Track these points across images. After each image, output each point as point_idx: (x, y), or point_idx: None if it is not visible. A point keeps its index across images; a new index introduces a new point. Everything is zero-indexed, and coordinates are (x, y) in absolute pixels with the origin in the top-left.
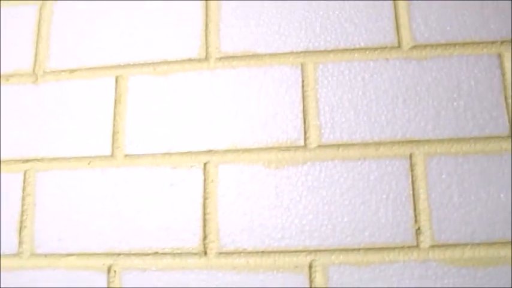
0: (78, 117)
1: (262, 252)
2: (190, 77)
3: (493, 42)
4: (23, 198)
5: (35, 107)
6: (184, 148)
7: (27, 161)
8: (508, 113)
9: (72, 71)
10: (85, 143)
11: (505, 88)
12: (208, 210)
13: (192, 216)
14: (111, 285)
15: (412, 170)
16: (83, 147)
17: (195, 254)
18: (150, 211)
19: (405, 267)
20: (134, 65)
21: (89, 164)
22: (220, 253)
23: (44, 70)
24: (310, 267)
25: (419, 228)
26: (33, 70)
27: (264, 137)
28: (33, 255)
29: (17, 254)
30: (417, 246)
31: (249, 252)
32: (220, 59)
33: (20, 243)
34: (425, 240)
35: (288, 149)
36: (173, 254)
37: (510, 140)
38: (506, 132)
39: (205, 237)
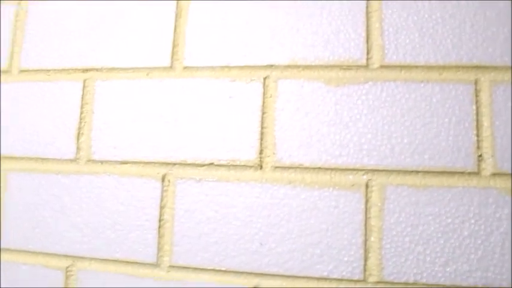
0: (138, 30)
1: (319, 168)
2: None
3: None
4: (82, 106)
5: (95, 18)
6: (244, 62)
7: (86, 70)
8: None
9: None
10: (144, 54)
11: None
12: (265, 124)
13: (250, 129)
14: (165, 193)
15: (476, 96)
16: (143, 58)
17: (251, 166)
18: (207, 122)
19: (464, 193)
20: None
21: (147, 74)
22: (276, 167)
23: None
24: (367, 186)
25: (481, 155)
26: None
27: (326, 55)
28: (90, 161)
29: (74, 160)
30: (478, 173)
31: (305, 168)
32: None
33: (78, 149)
34: (487, 168)
35: (349, 67)
36: (228, 166)
37: None
38: None
39: (261, 151)
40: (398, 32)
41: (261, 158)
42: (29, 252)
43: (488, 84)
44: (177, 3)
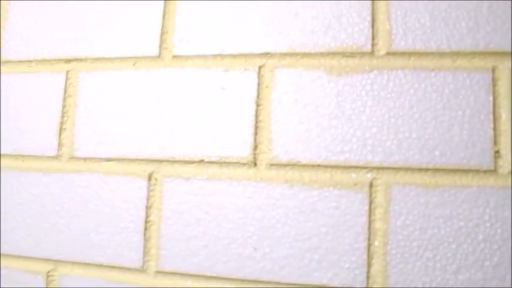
0: (124, 17)
1: (318, 165)
2: None
3: None
4: (64, 100)
5: (79, 6)
6: (238, 50)
7: (69, 60)
8: None
9: None
10: (131, 43)
11: None
12: (260, 117)
13: (243, 123)
14: (152, 193)
15: (494, 86)
16: (129, 47)
17: (244, 164)
18: (198, 116)
19: (479, 194)
20: None
21: (134, 64)
22: (272, 164)
23: None
24: (371, 185)
25: (498, 151)
26: None
27: (327, 41)
28: (72, 158)
29: (56, 157)
30: (495, 170)
31: (304, 165)
32: None
33: (60, 145)
34: (505, 165)
35: (352, 55)
36: (220, 163)
37: None
38: None
39: (256, 147)
40: (407, 15)
41: (255, 154)
42: (7, 255)
43: (507, 72)
44: None
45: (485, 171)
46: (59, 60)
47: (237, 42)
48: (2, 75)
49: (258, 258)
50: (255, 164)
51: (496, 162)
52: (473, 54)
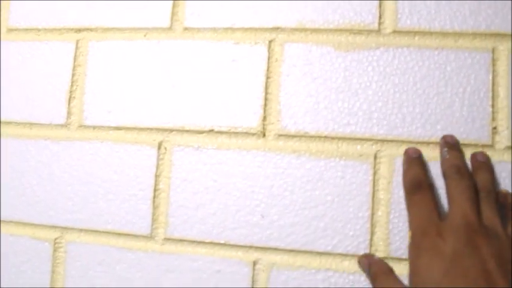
0: None
1: (325, 137)
2: None
3: None
4: (74, 69)
5: None
6: (249, 24)
7: (80, 30)
8: None
9: None
10: (142, 14)
11: None
12: (270, 90)
13: (253, 94)
14: (161, 162)
15: (493, 65)
16: (140, 18)
17: (253, 134)
18: (208, 87)
19: None
20: None
21: (145, 35)
22: (280, 135)
23: None
24: (376, 157)
25: (495, 128)
26: None
27: (336, 18)
28: (81, 126)
29: (65, 125)
30: (492, 145)
31: (311, 136)
32: None
33: (69, 114)
34: (501, 141)
35: (360, 32)
36: (229, 133)
37: None
38: None
39: (265, 118)
40: None
41: (264, 125)
42: (15, 222)
43: (506, 53)
44: None
45: (483, 146)
46: (69, 30)
47: (248, 17)
48: (8, 43)
49: (265, 226)
50: (264, 135)
51: (493, 138)
52: (475, 35)
